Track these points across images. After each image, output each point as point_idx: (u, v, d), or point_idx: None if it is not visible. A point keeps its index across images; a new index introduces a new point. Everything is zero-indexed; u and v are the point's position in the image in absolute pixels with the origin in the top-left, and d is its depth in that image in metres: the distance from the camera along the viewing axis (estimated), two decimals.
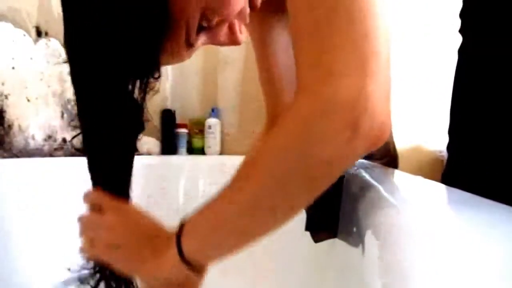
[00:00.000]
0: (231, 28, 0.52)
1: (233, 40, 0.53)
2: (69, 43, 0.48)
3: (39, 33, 1.28)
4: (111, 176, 0.53)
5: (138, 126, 0.51)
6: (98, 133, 0.50)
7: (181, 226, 0.46)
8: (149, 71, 0.48)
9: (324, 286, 0.67)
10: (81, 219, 0.54)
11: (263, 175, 0.40)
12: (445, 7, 1.41)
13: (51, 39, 1.29)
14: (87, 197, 0.54)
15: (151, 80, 0.48)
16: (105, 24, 0.44)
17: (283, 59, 0.74)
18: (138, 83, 0.48)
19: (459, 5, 0.71)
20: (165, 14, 0.45)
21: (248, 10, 0.52)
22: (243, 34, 0.54)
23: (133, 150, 0.53)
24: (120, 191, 0.53)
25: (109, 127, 0.50)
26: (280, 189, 0.40)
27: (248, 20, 0.53)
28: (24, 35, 1.24)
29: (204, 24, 0.49)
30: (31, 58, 1.25)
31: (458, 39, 0.71)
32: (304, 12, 0.39)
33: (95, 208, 0.53)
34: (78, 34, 0.47)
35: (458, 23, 0.71)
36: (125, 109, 0.49)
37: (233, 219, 0.43)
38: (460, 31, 0.70)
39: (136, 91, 0.48)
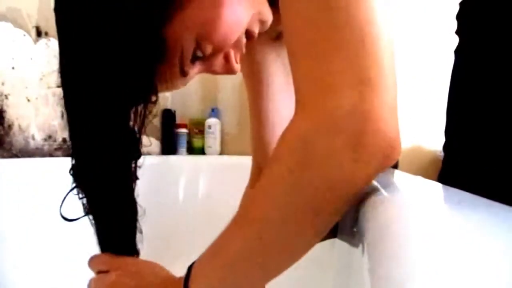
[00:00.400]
0: (226, 58, 0.51)
1: (228, 70, 0.51)
2: (63, 70, 0.47)
3: (39, 33, 1.28)
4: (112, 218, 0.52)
5: (134, 154, 0.49)
6: (92, 160, 0.48)
7: (188, 272, 0.45)
8: (143, 98, 0.46)
9: (324, 286, 0.67)
10: (89, 283, 0.54)
11: (264, 208, 0.38)
12: (443, 9, 1.41)
13: (51, 39, 1.29)
14: (92, 262, 0.54)
15: (149, 105, 0.47)
16: (98, 52, 0.43)
17: (276, 94, 0.71)
18: (134, 110, 0.46)
19: (456, 7, 0.72)
20: (159, 43, 0.44)
21: (244, 40, 0.51)
22: (238, 63, 0.52)
23: (131, 180, 0.50)
24: (124, 241, 0.53)
25: (104, 156, 0.47)
26: (284, 222, 0.37)
27: (244, 50, 0.52)
28: (24, 35, 1.24)
29: (199, 54, 0.47)
30: (31, 58, 1.25)
31: (455, 40, 0.71)
32: (299, 26, 0.36)
33: (101, 271, 0.53)
34: (73, 60, 0.45)
35: (455, 25, 0.72)
36: (121, 137, 0.47)
37: (239, 259, 0.41)
38: (457, 32, 0.71)
39: (133, 118, 0.47)
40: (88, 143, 0.47)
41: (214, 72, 0.52)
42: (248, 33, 0.51)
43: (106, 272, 0.52)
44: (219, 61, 0.51)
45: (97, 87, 0.44)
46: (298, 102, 0.37)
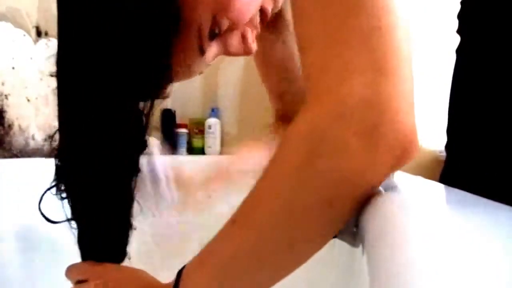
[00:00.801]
0: (243, 37, 0.50)
1: (245, 49, 0.51)
2: (63, 54, 0.44)
3: (39, 33, 1.28)
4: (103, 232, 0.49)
5: (141, 143, 0.47)
6: (99, 150, 0.45)
7: (179, 276, 0.41)
8: (158, 87, 0.44)
9: (324, 286, 0.67)
10: None
11: (268, 203, 0.35)
12: (444, 8, 1.41)
13: (51, 39, 1.29)
14: (69, 272, 0.51)
15: (162, 91, 0.45)
16: (109, 32, 0.41)
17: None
18: (144, 103, 0.44)
19: (457, 6, 0.72)
20: (175, 17, 0.43)
21: (258, 19, 0.51)
22: (255, 42, 0.52)
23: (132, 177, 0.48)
24: (116, 241, 0.50)
25: (111, 146, 0.45)
26: (290, 217, 0.34)
27: (259, 29, 0.52)
28: (24, 35, 1.24)
29: (216, 30, 0.47)
30: (31, 58, 1.25)
31: (456, 40, 0.71)
32: (312, 10, 0.34)
33: (80, 281, 0.50)
34: (75, 42, 0.42)
35: (456, 24, 0.72)
36: (131, 125, 0.45)
37: (237, 263, 0.36)
38: (458, 31, 0.71)
39: (142, 105, 0.44)
40: (94, 131, 0.44)
41: (231, 53, 0.51)
42: (262, 12, 0.51)
43: (85, 281, 0.49)
44: (235, 40, 0.50)
45: (112, 67, 0.42)
46: (308, 89, 0.34)
